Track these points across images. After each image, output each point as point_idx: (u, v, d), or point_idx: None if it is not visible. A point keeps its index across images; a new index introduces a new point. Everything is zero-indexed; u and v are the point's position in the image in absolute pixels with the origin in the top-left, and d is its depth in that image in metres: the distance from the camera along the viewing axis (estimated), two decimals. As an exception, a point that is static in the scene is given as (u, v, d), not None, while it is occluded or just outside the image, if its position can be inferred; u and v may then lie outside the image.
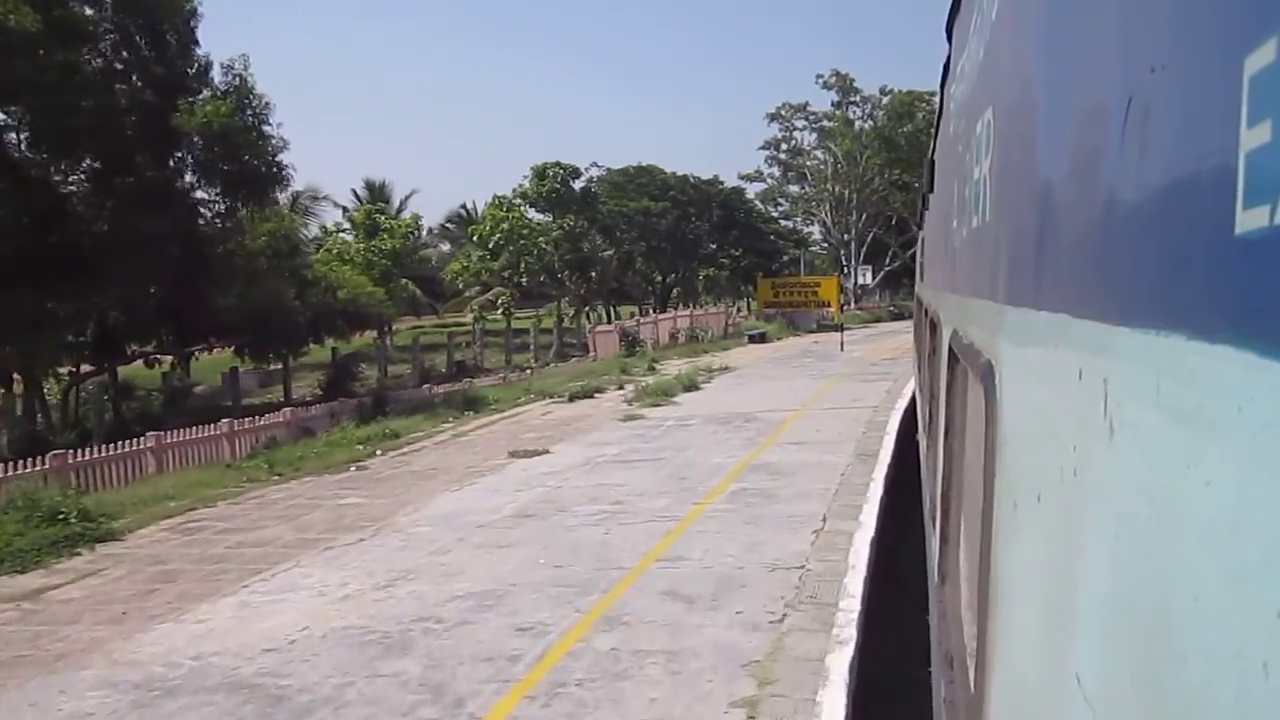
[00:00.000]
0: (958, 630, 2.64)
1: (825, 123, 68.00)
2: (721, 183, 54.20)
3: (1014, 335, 1.65)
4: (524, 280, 48.43)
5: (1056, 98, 1.36)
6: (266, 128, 25.46)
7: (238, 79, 24.78)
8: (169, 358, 31.65)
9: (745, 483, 13.32)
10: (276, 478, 17.13)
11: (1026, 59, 1.62)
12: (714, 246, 55.49)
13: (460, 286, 51.13)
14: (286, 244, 32.30)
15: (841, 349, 36.14)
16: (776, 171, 72.83)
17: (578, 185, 50.54)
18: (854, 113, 67.49)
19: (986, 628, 1.73)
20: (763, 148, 70.56)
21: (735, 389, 26.36)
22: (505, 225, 47.14)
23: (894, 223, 75.18)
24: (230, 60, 24.90)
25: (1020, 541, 1.47)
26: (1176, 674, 0.74)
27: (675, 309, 52.91)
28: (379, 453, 19.06)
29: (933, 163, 6.42)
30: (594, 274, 53.50)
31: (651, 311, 55.05)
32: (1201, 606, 0.70)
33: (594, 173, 56.23)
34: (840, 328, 46.84)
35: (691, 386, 26.44)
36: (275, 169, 25.84)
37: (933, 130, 6.64)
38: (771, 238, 56.90)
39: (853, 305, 69.00)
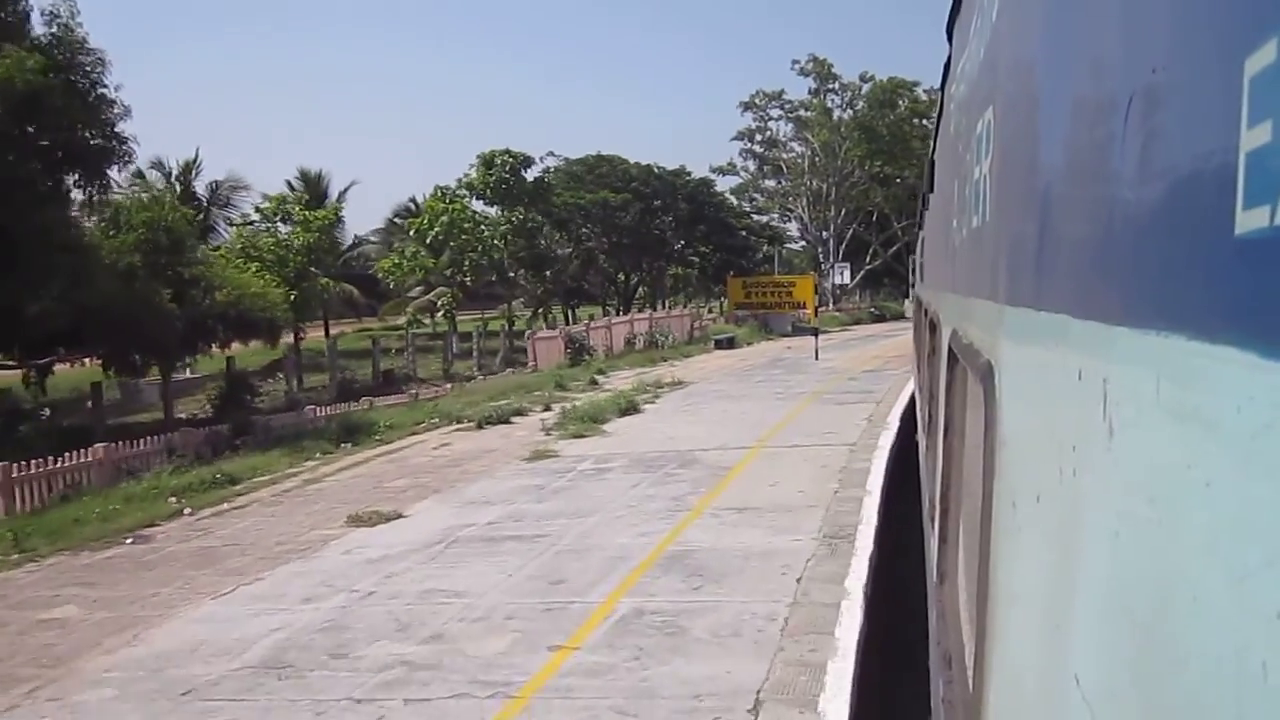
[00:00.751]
0: (956, 630, 2.65)
1: (802, 112, 63.45)
2: (689, 174, 49.52)
3: (1014, 335, 1.67)
4: (468, 279, 43.52)
5: (1057, 97, 1.36)
6: (103, 90, 20.56)
7: (61, 29, 19.80)
8: (19, 370, 26.63)
9: (648, 597, 8.53)
10: (17, 555, 12.24)
11: (1027, 59, 1.64)
12: (682, 243, 50.66)
13: (394, 286, 46.10)
14: (167, 237, 27.23)
15: (816, 357, 31.51)
16: (751, 165, 68.31)
17: (531, 175, 45.73)
18: (832, 101, 63.07)
19: (985, 627, 1.74)
20: (736, 138, 66.08)
21: (682, 413, 21.62)
22: (445, 218, 42.26)
23: (874, 219, 70.69)
24: (53, 6, 19.99)
25: (1019, 541, 1.47)
26: (1176, 674, 0.75)
27: (637, 311, 48.15)
28: (188, 511, 14.18)
29: (933, 163, 6.27)
30: (548, 273, 48.70)
31: (617, 313, 50.29)
32: (1201, 607, 0.71)
33: (551, 162, 51.62)
34: (816, 332, 42.48)
35: (630, 409, 21.69)
36: (113, 141, 20.90)
37: (933, 130, 6.31)
38: (744, 234, 52.13)
39: (830, 306, 64.49)
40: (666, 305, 51.71)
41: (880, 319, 66.68)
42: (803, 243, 68.82)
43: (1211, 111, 0.71)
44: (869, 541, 9.66)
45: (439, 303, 42.65)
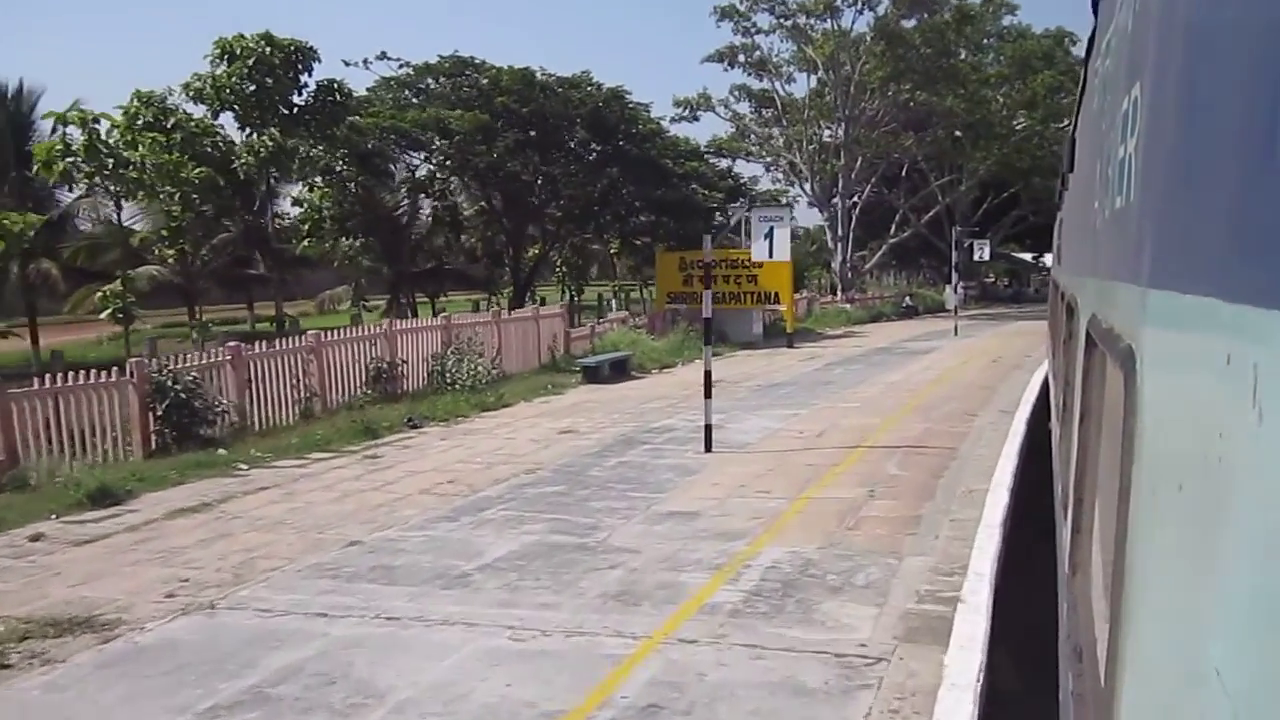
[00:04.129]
0: (1088, 622, 2.60)
1: (800, 18, 44.46)
2: (592, 83, 30.72)
3: (1157, 319, 1.60)
4: (200, 253, 25.54)
5: (1211, 73, 1.31)
6: None
7: None
8: None
9: None
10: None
11: (1180, 32, 1.55)
12: (600, 205, 31.88)
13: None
14: None
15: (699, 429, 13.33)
16: (744, 106, 49.42)
17: (331, 86, 27.44)
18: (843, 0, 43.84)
19: (1119, 620, 1.70)
20: (711, 60, 47.34)
21: None
22: (142, 149, 24.07)
23: (904, 174, 51.69)
24: None
25: (1159, 532, 1.45)
26: None
27: (500, 307, 29.77)
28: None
29: (1073, 141, 5.75)
30: (357, 241, 30.51)
31: (497, 306, 32.01)
32: None
33: (382, 70, 33.30)
34: (788, 338, 24.99)
35: None
36: None
37: (1075, 107, 5.91)
38: (694, 189, 33.39)
39: (839, 295, 45.67)
40: (536, 297, 33.23)
41: (910, 313, 47.65)
42: (808, 203, 49.92)
43: None
44: None
45: (108, 294, 24.44)
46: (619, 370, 22.96)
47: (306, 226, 30.51)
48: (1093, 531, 2.84)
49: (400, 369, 18.91)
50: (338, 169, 29.48)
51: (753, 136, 50.43)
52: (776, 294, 30.08)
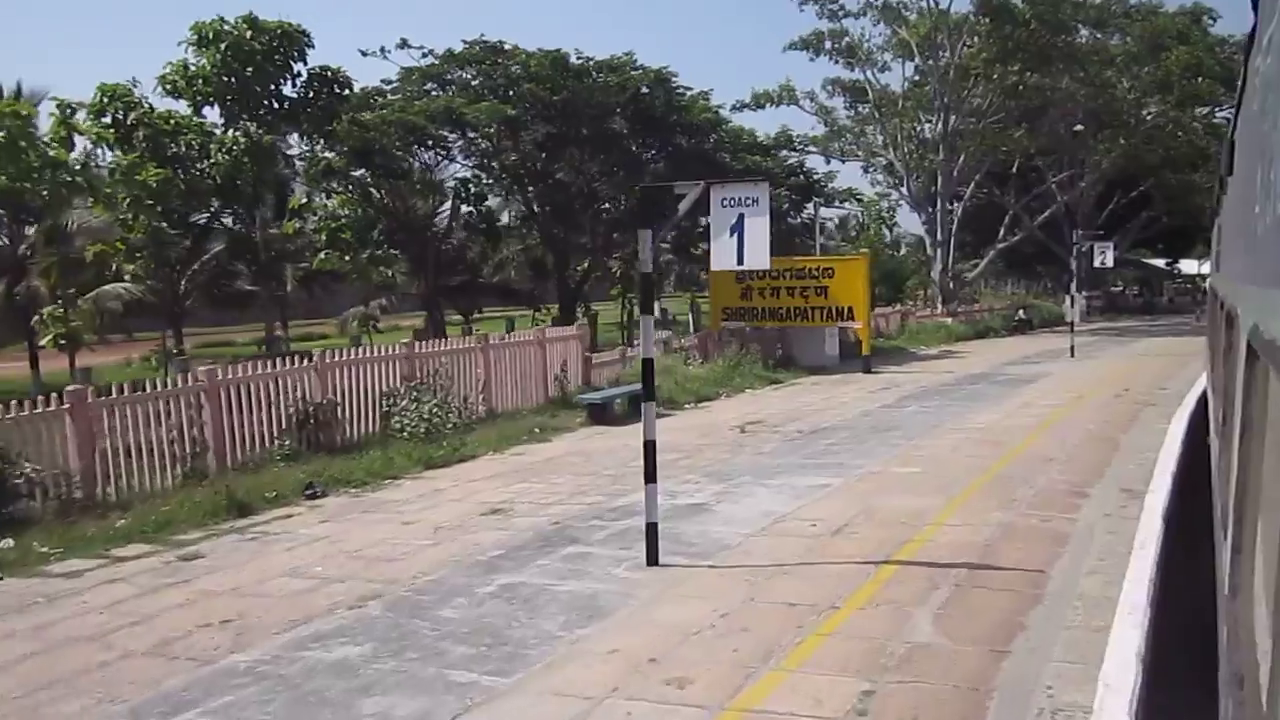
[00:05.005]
0: (1250, 647, 2.50)
1: (894, -3, 39.33)
2: (635, 65, 26.39)
3: None
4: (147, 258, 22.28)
5: None
6: None
7: None
8: None
9: None
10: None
11: None
12: (614, 197, 27.55)
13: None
14: None
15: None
16: (838, 101, 44.56)
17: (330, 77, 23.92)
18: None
19: None
20: (794, 48, 42.64)
21: None
22: (101, 148, 20.94)
23: (1014, 171, 45.94)
24: None
25: None
26: None
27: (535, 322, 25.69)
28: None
29: (1232, 144, 5.23)
30: (379, 253, 26.97)
31: (539, 323, 28.12)
32: None
33: (403, 60, 29.62)
34: (865, 361, 20.73)
35: None
36: None
37: (1234, 109, 5.20)
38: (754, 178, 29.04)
39: (938, 309, 40.32)
40: (588, 313, 28.98)
41: (1024, 327, 41.85)
42: (907, 203, 44.61)
43: None
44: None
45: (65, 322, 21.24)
46: (620, 410, 18.58)
47: (324, 236, 27.04)
48: (1254, 551, 2.74)
49: (338, 411, 14.92)
50: (347, 170, 25.90)
51: (847, 135, 45.47)
52: (850, 309, 25.24)
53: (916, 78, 41.63)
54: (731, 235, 7.70)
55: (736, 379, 22.80)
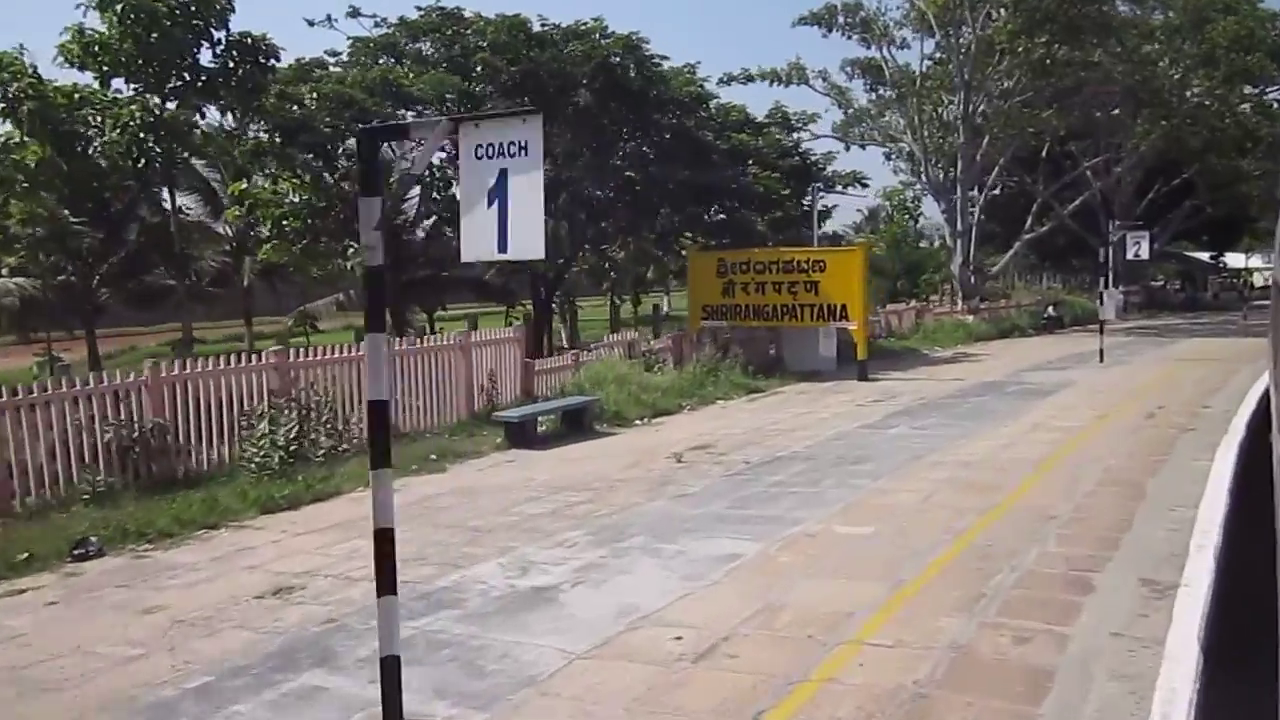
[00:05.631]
0: None
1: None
2: (602, 30, 23.11)
3: None
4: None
5: None
6: None
7: None
8: None
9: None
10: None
11: None
12: (622, 194, 24.45)
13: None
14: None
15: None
16: (858, 85, 41.37)
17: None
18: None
19: None
20: (805, 21, 39.44)
21: None
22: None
23: (1045, 156, 42.46)
24: None
25: None
26: None
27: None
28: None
29: None
30: (327, 242, 24.33)
31: (506, 320, 25.32)
32: None
33: (351, 29, 26.74)
34: (860, 367, 18.01)
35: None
36: None
37: None
38: (749, 173, 25.53)
39: (959, 305, 37.07)
40: (565, 312, 26.08)
41: (1054, 325, 38.33)
42: (931, 194, 41.15)
43: None
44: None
45: None
46: (575, 425, 15.70)
47: (269, 226, 24.31)
48: None
49: (175, 436, 12.14)
50: (282, 150, 23.14)
51: (866, 119, 42.20)
52: (844, 307, 22.15)
53: (938, 55, 38.29)
54: (491, 205, 4.72)
55: (708, 388, 19.84)
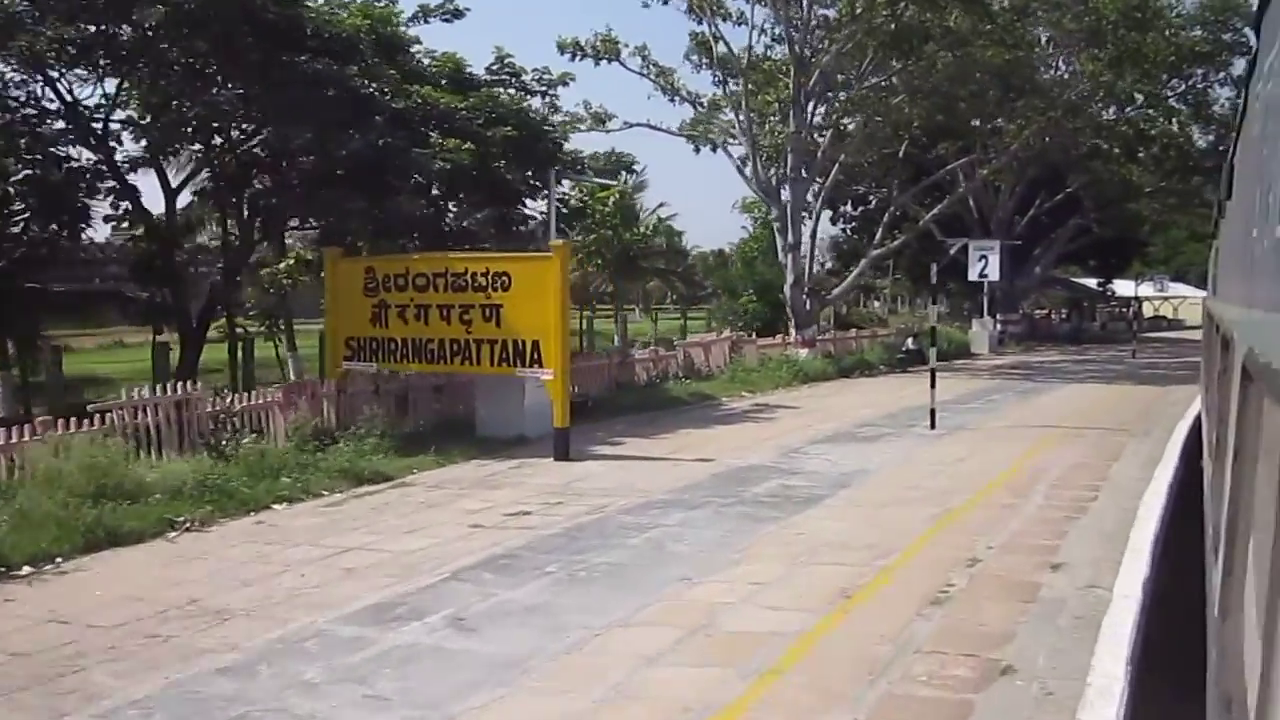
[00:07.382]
0: (1238, 671, 2.52)
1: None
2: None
3: None
4: None
5: None
6: None
7: None
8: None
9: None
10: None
11: None
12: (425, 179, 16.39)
13: None
14: None
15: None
16: (691, 70, 33.56)
17: None
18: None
19: (1274, 668, 1.66)
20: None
21: None
22: None
23: (901, 155, 35.26)
24: None
25: None
26: None
27: None
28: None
29: (1232, 167, 5.63)
30: None
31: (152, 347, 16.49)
32: None
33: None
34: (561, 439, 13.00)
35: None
36: None
37: (1234, 133, 5.54)
38: (437, 142, 17.41)
39: (793, 335, 29.52)
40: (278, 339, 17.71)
41: (916, 359, 30.41)
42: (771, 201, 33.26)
43: None
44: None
45: None
46: None
47: None
48: (1245, 575, 2.76)
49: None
50: None
51: (699, 107, 34.44)
52: (536, 345, 14.14)
53: (772, 28, 30.87)
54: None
55: (263, 484, 11.64)
